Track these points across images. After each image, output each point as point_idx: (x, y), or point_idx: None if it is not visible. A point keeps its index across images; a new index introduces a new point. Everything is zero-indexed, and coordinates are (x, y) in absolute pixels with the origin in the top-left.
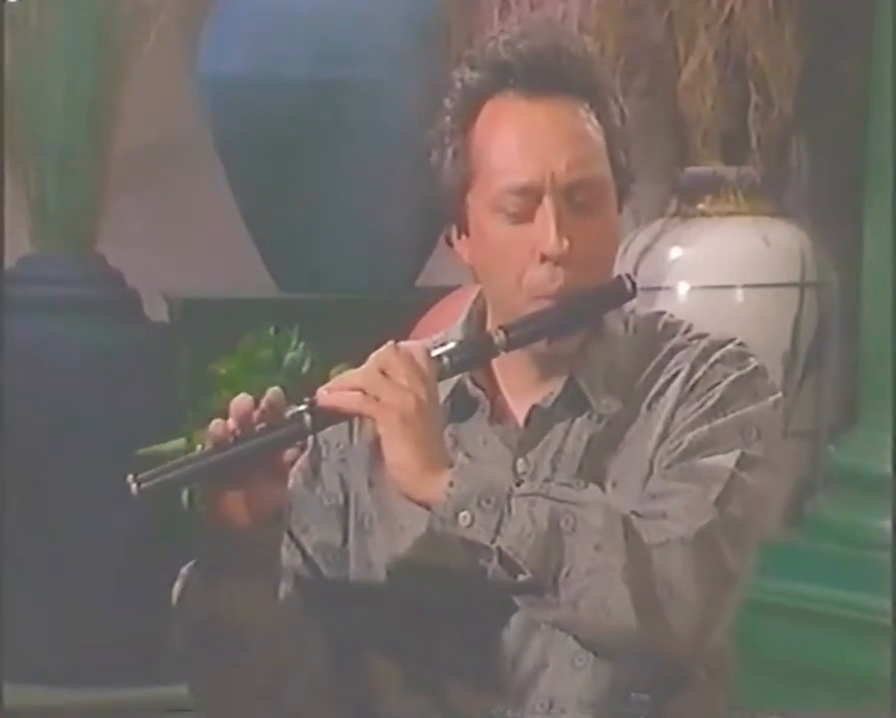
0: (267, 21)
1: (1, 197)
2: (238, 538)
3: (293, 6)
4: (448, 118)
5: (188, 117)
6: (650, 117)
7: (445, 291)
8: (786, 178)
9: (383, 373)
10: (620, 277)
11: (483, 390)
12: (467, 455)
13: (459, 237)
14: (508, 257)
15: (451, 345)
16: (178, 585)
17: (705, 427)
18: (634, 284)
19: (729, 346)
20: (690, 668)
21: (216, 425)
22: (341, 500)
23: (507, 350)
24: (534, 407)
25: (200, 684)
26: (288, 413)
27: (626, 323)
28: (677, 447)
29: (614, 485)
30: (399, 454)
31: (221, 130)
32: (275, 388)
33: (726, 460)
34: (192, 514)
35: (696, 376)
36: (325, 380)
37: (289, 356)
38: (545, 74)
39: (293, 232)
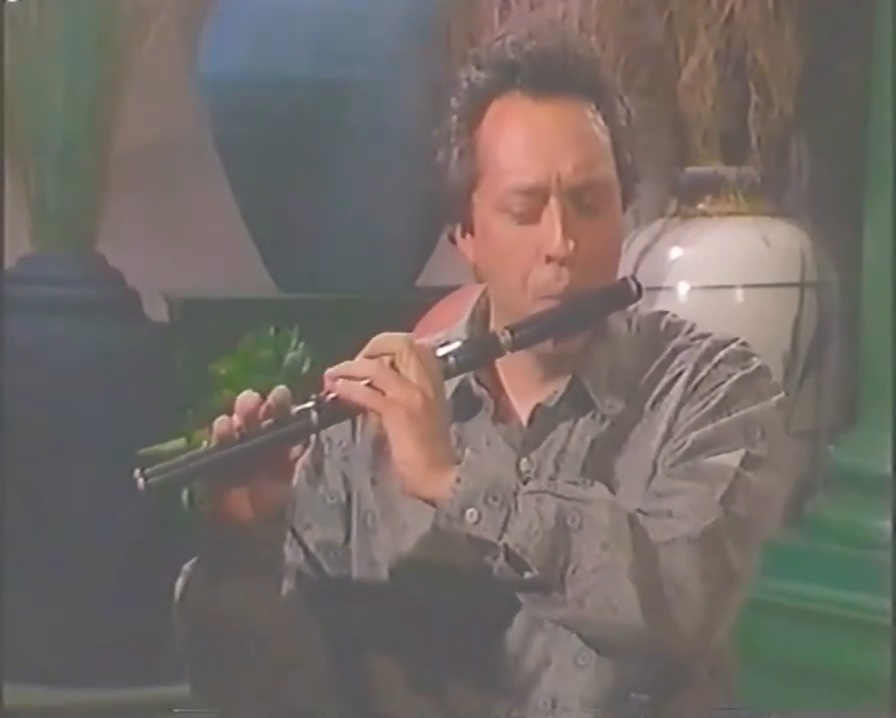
0: (267, 21)
1: (1, 197)
2: (242, 536)
3: (293, 6)
4: (454, 117)
5: (188, 117)
6: (650, 117)
7: (445, 291)
8: (786, 178)
9: (392, 365)
10: (626, 279)
11: (487, 389)
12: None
13: (464, 236)
14: (513, 257)
15: (456, 344)
16: (180, 582)
17: (710, 426)
18: (639, 286)
19: (733, 346)
20: (694, 667)
21: (221, 422)
22: (344, 497)
23: (512, 350)
24: (538, 406)
25: (201, 681)
26: (295, 410)
27: (629, 323)
28: (681, 446)
29: (617, 484)
30: (406, 450)
31: (221, 130)
32: (282, 387)
33: (731, 459)
34: (192, 513)
35: (700, 376)
36: None
37: (289, 356)
38: (552, 74)
39: (293, 232)
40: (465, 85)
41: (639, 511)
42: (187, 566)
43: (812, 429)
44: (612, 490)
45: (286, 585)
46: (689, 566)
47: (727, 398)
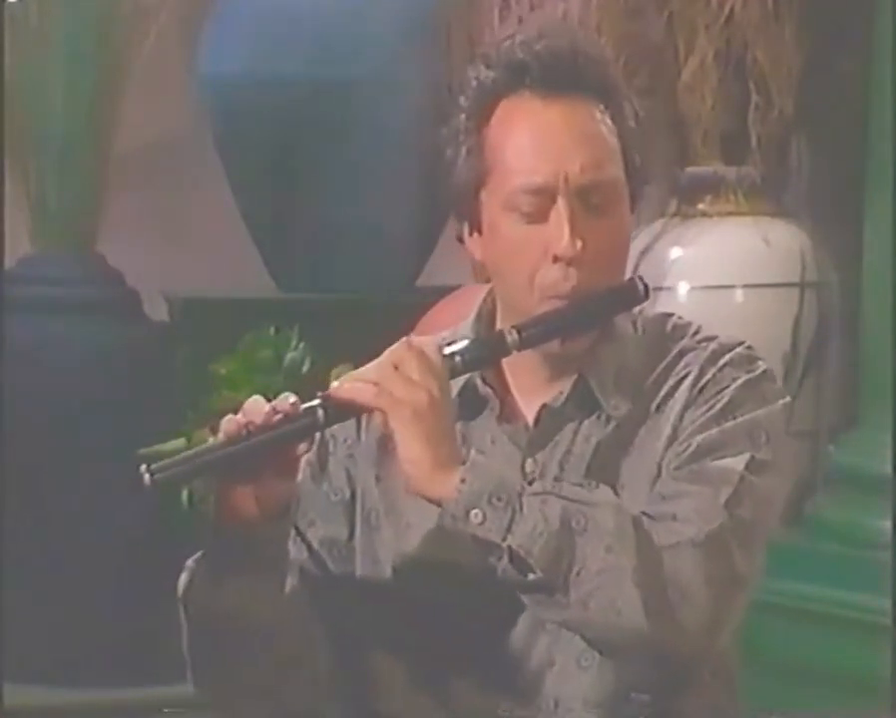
0: (267, 21)
1: (1, 197)
2: (246, 533)
3: (293, 6)
4: (463, 115)
5: (188, 117)
6: (650, 117)
7: (445, 291)
8: (786, 177)
9: (396, 368)
10: (633, 279)
11: (493, 389)
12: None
13: (471, 235)
14: (521, 257)
15: (463, 343)
16: (184, 577)
17: (715, 430)
18: (647, 287)
19: (738, 349)
20: (697, 670)
21: (228, 420)
22: (348, 495)
23: (519, 349)
24: (544, 406)
25: (203, 678)
26: (301, 407)
27: (634, 324)
28: (686, 449)
29: (622, 486)
30: (411, 449)
31: (220, 129)
32: (289, 393)
33: (736, 463)
34: (192, 513)
35: (705, 379)
36: (325, 380)
37: (289, 356)
38: (561, 74)
39: (293, 232)
40: (474, 83)
41: (643, 513)
42: (190, 562)
43: (812, 429)
44: (616, 491)
45: (290, 582)
46: (694, 570)
47: (732, 402)
